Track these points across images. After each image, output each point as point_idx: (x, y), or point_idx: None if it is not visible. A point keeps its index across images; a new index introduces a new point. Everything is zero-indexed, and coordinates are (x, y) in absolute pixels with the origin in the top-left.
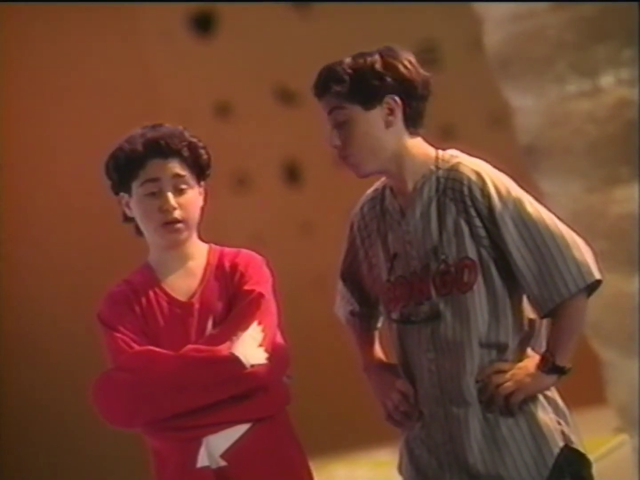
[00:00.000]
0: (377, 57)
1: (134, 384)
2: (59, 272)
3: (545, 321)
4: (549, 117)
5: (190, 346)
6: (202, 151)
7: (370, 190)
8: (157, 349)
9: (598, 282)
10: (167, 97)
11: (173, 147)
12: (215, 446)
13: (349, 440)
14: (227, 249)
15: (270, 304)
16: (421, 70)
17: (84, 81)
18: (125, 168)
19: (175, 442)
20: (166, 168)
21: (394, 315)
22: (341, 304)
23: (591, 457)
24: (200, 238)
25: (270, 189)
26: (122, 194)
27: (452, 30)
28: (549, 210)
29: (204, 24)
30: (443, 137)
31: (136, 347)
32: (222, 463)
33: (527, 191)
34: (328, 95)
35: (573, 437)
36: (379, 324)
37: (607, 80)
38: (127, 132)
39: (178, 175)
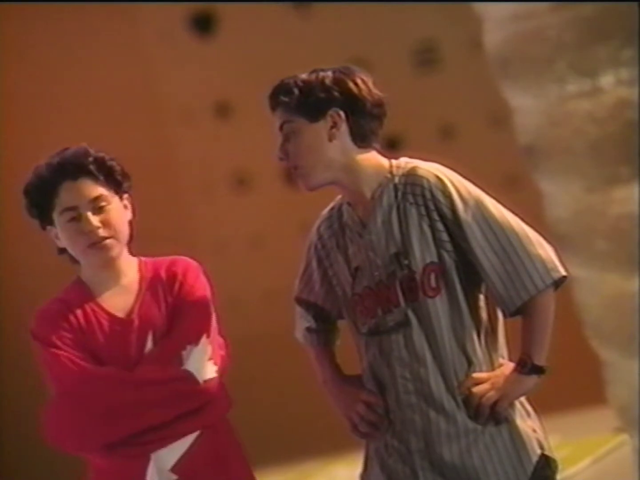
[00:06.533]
0: (329, 72)
1: (87, 409)
2: (59, 272)
3: (502, 329)
4: (549, 117)
5: (142, 365)
6: (112, 163)
7: (325, 210)
8: (109, 370)
9: (563, 279)
10: (167, 97)
11: (79, 166)
12: (165, 461)
13: (349, 440)
14: (160, 260)
15: (212, 313)
16: (374, 90)
17: (84, 81)
18: (40, 201)
19: (123, 460)
20: (79, 191)
21: (364, 329)
22: (298, 324)
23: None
24: (130, 252)
25: (270, 189)
26: (48, 227)
27: (452, 30)
28: (511, 210)
29: (204, 24)
30: (443, 137)
31: (82, 363)
32: (173, 477)
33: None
34: (279, 108)
35: (544, 443)
36: (338, 340)
37: (607, 80)
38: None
39: (94, 198)
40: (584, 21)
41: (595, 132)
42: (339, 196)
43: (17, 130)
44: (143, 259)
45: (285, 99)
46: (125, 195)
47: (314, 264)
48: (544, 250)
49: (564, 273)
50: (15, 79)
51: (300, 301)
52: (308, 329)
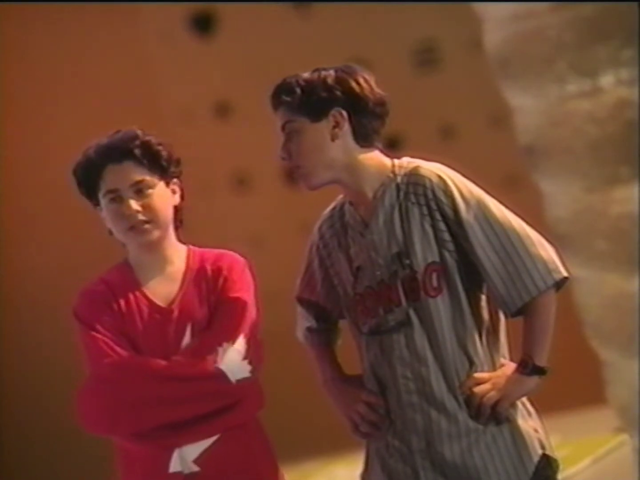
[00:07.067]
0: (331, 72)
1: (118, 397)
2: (59, 272)
3: (504, 329)
4: (549, 117)
5: (176, 359)
6: (159, 147)
7: (327, 210)
8: (143, 360)
9: (564, 280)
10: (167, 97)
11: (124, 149)
12: (189, 452)
13: (349, 440)
14: (207, 252)
15: (252, 312)
16: (376, 90)
17: (84, 81)
18: (87, 181)
19: (149, 449)
20: (122, 174)
21: (365, 328)
22: (299, 323)
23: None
24: (180, 240)
25: (270, 189)
26: (98, 207)
27: (452, 30)
28: (513, 211)
29: (204, 24)
30: (443, 137)
31: (118, 349)
32: (195, 468)
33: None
34: (281, 108)
35: (545, 443)
36: (339, 340)
37: (607, 80)
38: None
39: (136, 182)
40: (584, 21)
41: (595, 132)
42: (340, 196)
43: (17, 130)
44: (192, 248)
45: (288, 99)
46: (174, 180)
47: (316, 263)
48: (546, 251)
49: (565, 274)
50: (15, 79)
51: (301, 301)
52: (309, 329)
